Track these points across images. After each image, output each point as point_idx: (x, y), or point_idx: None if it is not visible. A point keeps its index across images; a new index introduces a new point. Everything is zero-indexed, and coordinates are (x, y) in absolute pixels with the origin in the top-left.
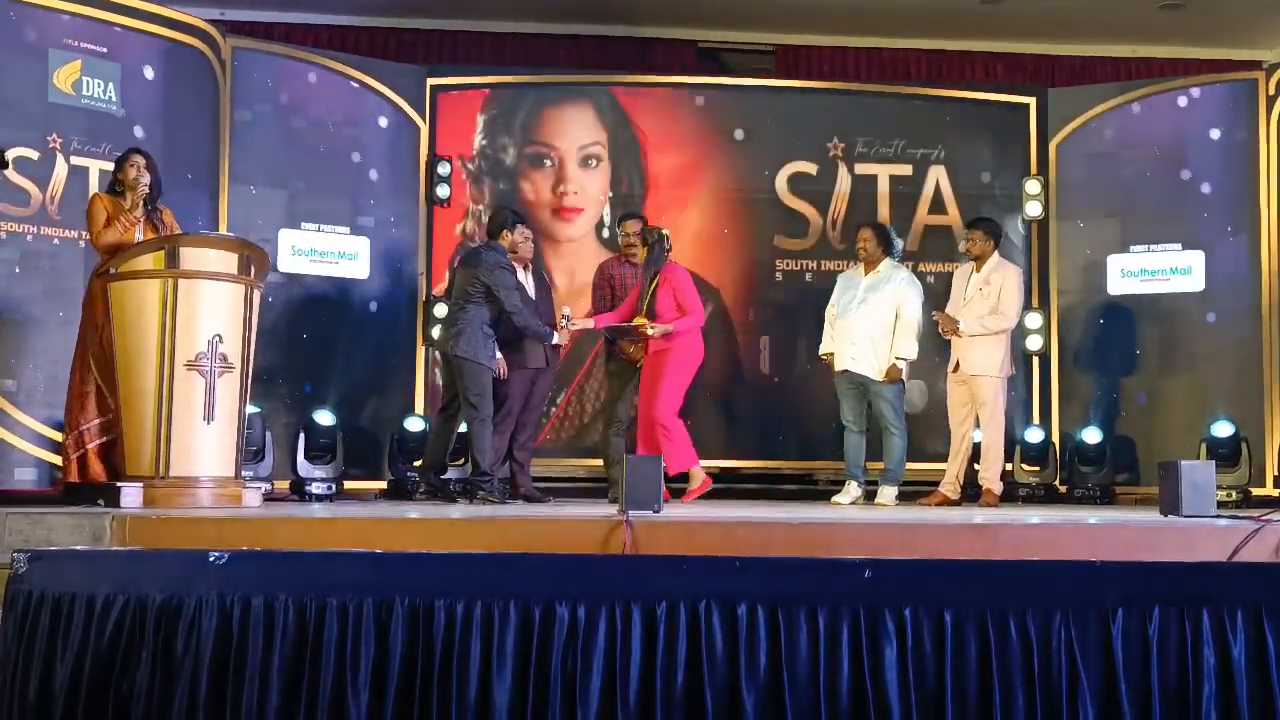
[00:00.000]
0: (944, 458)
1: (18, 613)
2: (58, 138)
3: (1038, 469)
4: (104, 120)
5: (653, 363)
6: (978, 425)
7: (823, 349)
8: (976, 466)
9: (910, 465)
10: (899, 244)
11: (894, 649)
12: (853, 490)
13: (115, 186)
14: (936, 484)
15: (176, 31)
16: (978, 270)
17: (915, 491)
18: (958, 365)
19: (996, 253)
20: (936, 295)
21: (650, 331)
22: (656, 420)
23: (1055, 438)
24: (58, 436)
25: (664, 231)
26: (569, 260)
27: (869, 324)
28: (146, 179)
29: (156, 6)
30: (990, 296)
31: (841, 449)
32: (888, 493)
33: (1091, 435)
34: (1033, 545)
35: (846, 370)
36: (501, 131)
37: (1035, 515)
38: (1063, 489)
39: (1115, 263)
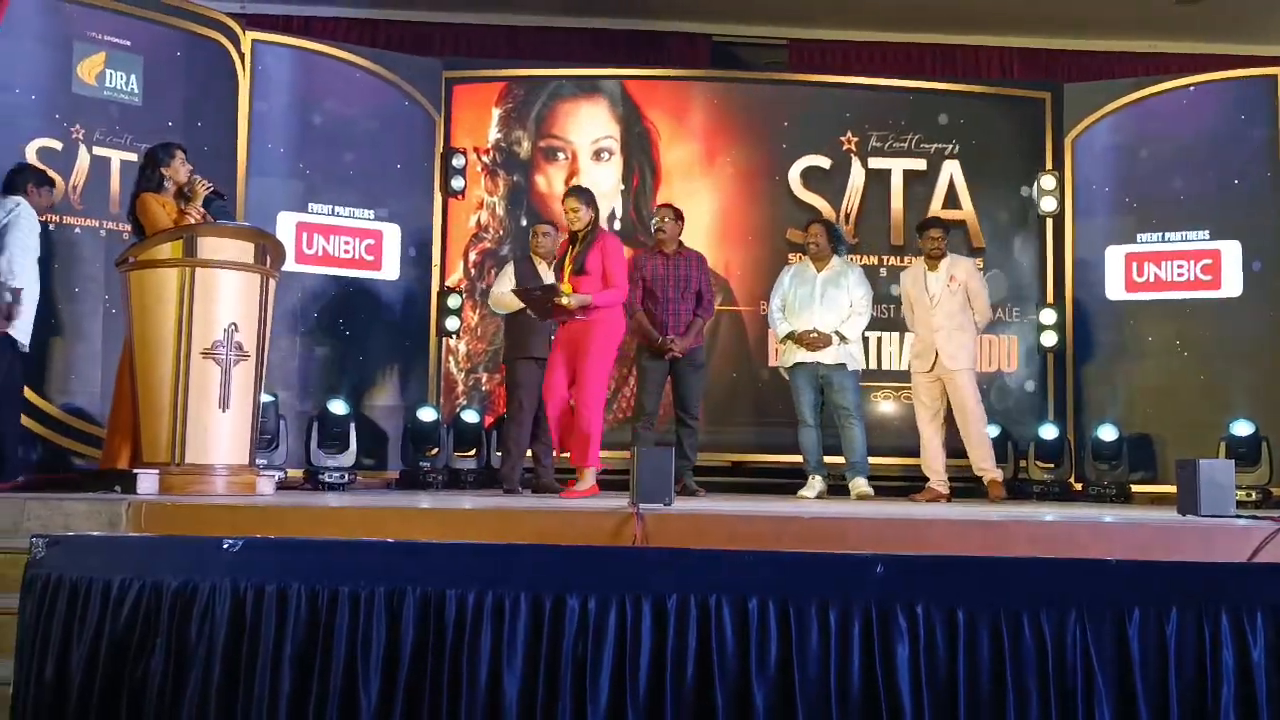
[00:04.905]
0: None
1: (35, 597)
2: (80, 128)
3: (1052, 466)
4: (126, 111)
5: (577, 340)
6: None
7: (782, 332)
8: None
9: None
10: (848, 242)
11: (906, 646)
12: (817, 484)
13: (163, 183)
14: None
15: (197, 24)
16: (933, 269)
17: (908, 486)
18: (934, 363)
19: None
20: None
21: (566, 300)
22: (590, 407)
23: (1070, 434)
24: (74, 422)
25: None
26: None
27: (831, 317)
28: (202, 180)
29: (179, 0)
30: (958, 293)
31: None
32: (864, 483)
33: (1107, 432)
34: (1047, 543)
35: (803, 363)
36: (516, 124)
37: (1050, 513)
38: (1077, 486)
39: (1131, 259)
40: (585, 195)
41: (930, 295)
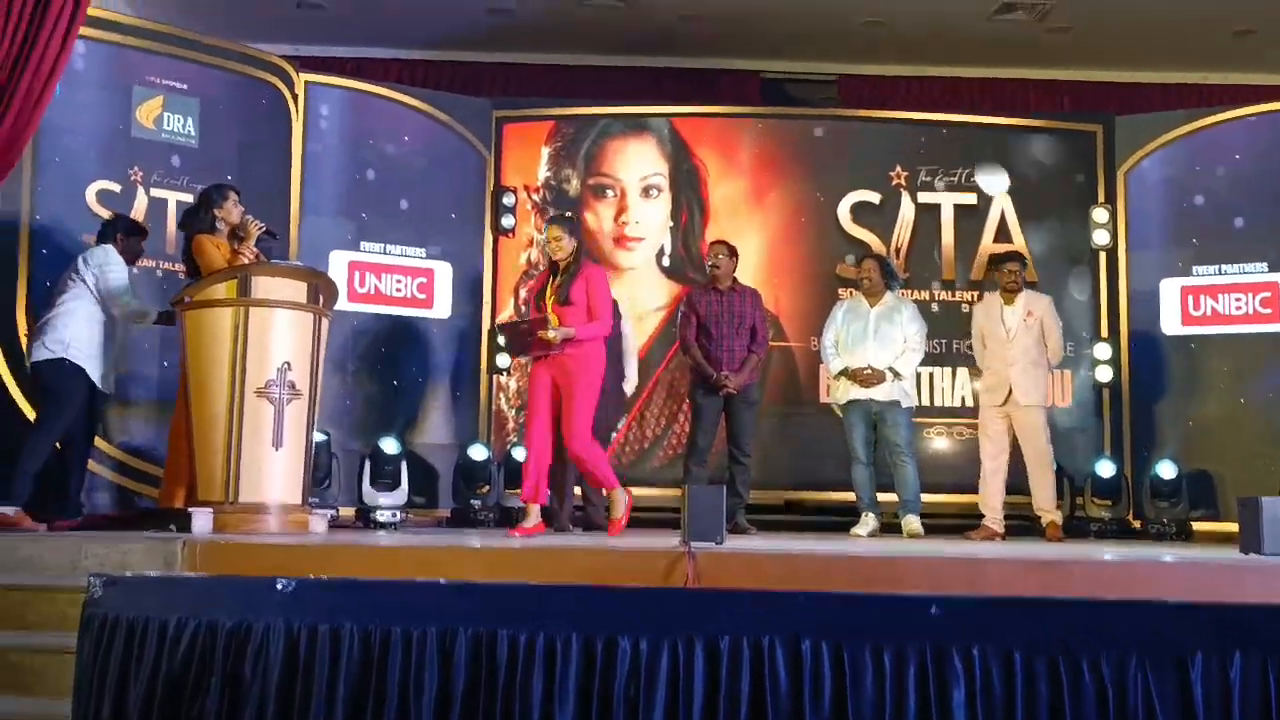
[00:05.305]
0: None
1: (93, 636)
2: (139, 171)
3: (1109, 503)
4: (183, 153)
5: (560, 377)
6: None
7: (836, 368)
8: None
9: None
10: (900, 277)
11: (962, 689)
12: (870, 522)
13: (215, 224)
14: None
15: (252, 67)
16: (1009, 304)
17: (962, 524)
18: (1007, 398)
19: None
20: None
21: (552, 334)
22: (584, 443)
23: (1127, 471)
24: (132, 461)
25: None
26: (630, 289)
27: (885, 354)
28: (254, 221)
29: (234, 44)
30: (1034, 328)
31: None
32: (915, 521)
33: (1166, 469)
34: (1106, 583)
35: (857, 400)
36: (565, 162)
37: (1108, 552)
38: (1136, 524)
39: (1187, 292)
40: (568, 224)
41: (1006, 329)
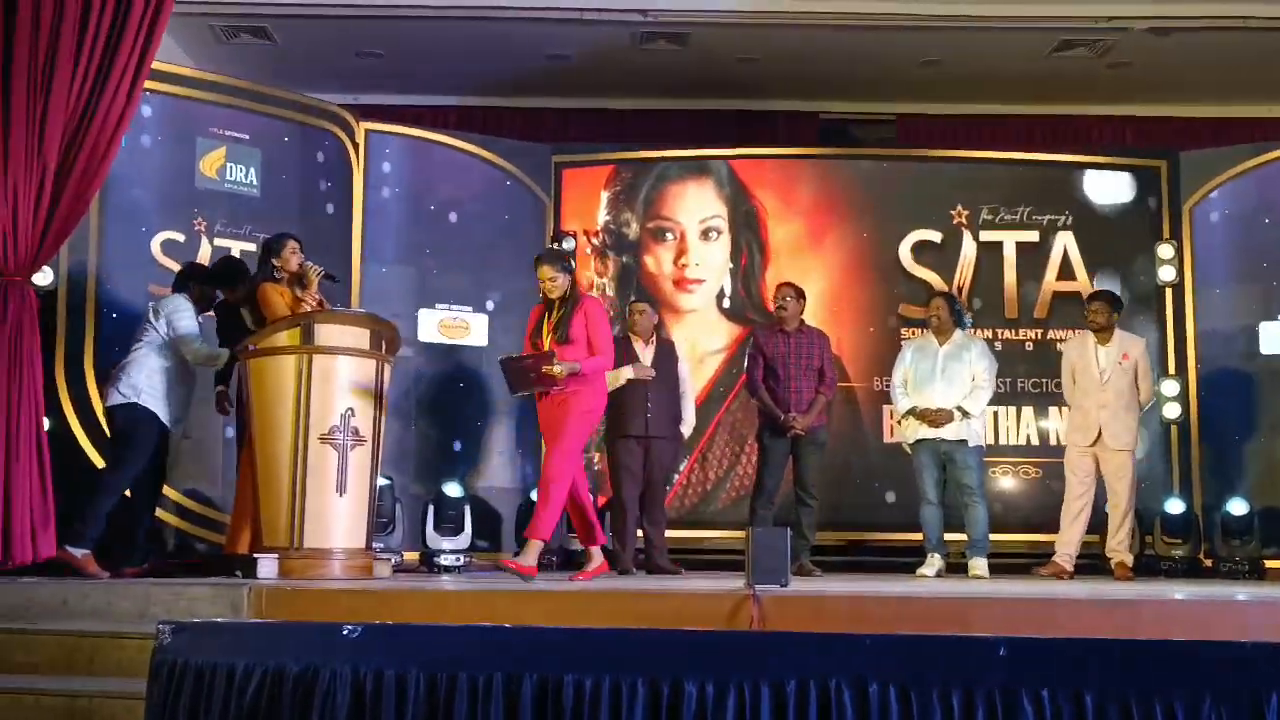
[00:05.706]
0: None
1: (161, 682)
2: (203, 221)
3: (1180, 541)
4: (245, 203)
5: (556, 412)
6: None
7: (904, 408)
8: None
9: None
10: (969, 317)
11: None
12: (936, 562)
13: (275, 273)
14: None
15: (313, 116)
16: (1103, 344)
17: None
18: (1097, 439)
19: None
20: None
21: (557, 369)
22: (554, 480)
23: (1198, 509)
24: (195, 507)
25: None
26: (690, 331)
27: (953, 393)
28: (314, 267)
29: (294, 94)
30: (1129, 371)
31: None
32: (981, 564)
33: (1237, 506)
34: (1178, 623)
35: (925, 439)
36: (624, 206)
37: (1179, 591)
38: (1207, 563)
39: (1255, 327)
40: (559, 261)
41: (1100, 370)
